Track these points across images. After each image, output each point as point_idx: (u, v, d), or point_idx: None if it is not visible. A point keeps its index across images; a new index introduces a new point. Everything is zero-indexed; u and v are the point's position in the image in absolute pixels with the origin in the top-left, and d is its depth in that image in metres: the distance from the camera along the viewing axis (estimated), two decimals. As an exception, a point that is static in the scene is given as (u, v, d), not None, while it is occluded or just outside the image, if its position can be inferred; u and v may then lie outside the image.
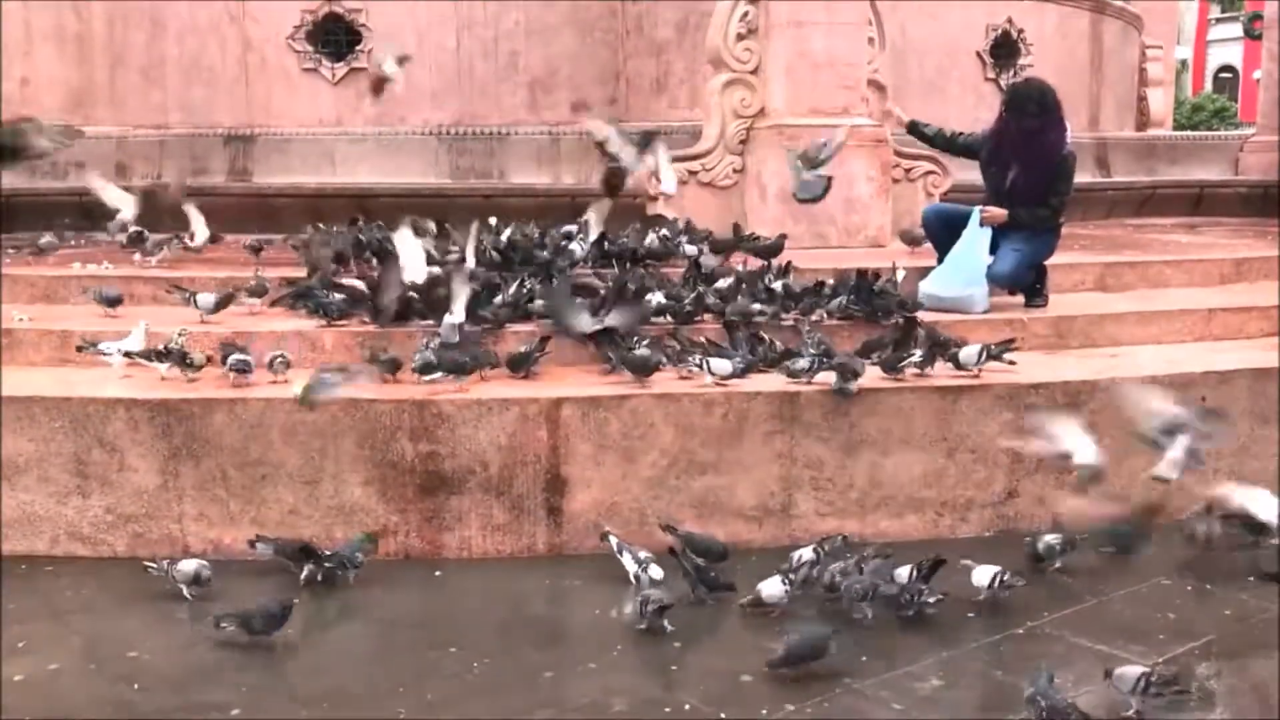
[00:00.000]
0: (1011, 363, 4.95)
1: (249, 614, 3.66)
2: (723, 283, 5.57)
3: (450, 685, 3.47)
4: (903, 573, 3.92)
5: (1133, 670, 3.24)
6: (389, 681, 3.48)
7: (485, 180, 8.82)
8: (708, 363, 4.72)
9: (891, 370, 4.81)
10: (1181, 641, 3.73)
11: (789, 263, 5.89)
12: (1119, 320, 5.82)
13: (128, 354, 4.81)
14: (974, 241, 5.74)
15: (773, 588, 3.89)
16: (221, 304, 5.35)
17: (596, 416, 4.53)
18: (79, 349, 4.95)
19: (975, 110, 10.15)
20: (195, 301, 5.33)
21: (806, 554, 4.09)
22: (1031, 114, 5.73)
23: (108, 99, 9.72)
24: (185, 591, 4.01)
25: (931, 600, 3.86)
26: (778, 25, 7.20)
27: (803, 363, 4.75)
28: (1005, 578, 3.96)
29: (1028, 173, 5.76)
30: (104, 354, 4.85)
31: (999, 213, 5.77)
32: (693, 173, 7.41)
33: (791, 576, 3.94)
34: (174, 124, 9.59)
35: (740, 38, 7.39)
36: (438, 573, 4.37)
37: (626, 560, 4.13)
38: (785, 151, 6.16)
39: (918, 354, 4.84)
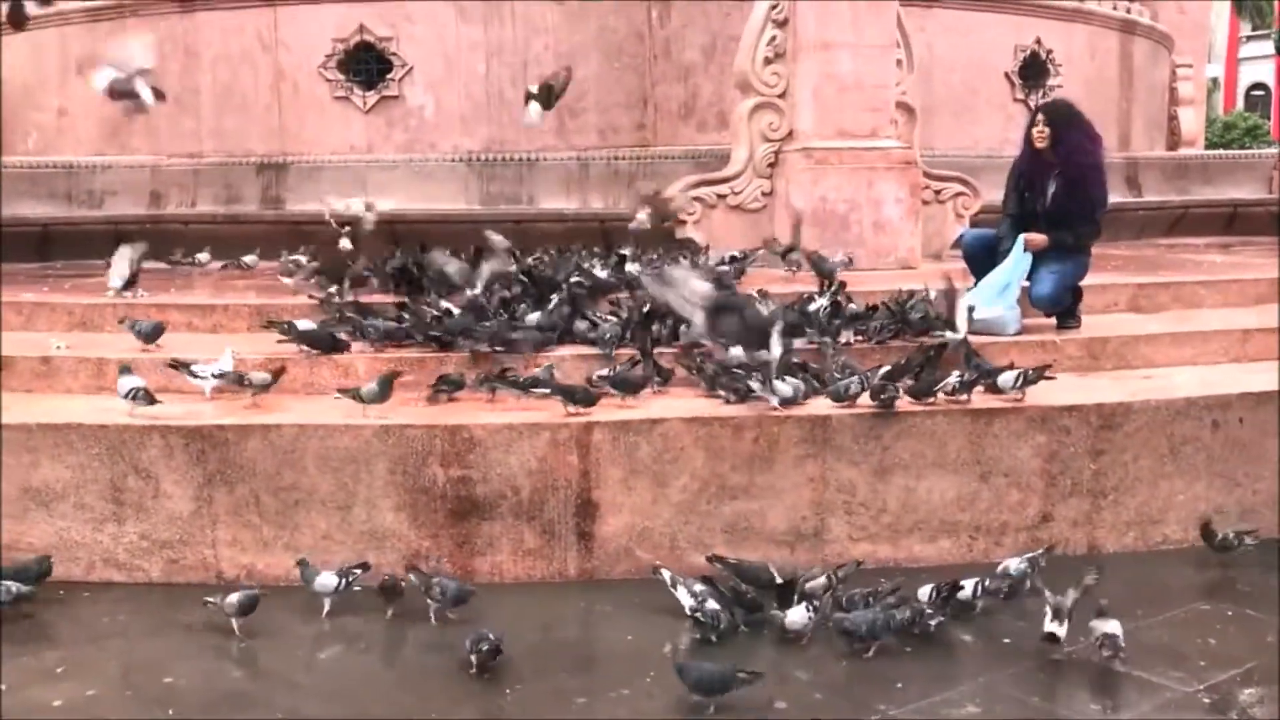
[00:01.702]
0: (1050, 376, 4.93)
1: None
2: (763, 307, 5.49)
3: (482, 710, 3.48)
4: (923, 592, 4.00)
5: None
6: (420, 707, 3.48)
7: (515, 206, 8.84)
8: (771, 385, 4.68)
9: (923, 396, 4.78)
10: (1223, 668, 3.69)
11: (841, 283, 5.86)
12: (1153, 341, 5.77)
13: (219, 375, 4.86)
14: (1015, 265, 5.74)
15: (796, 615, 3.89)
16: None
17: (627, 440, 4.54)
18: (173, 367, 4.98)
19: (1004, 130, 10.09)
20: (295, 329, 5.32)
21: (820, 582, 4.10)
22: (1065, 127, 5.77)
23: (143, 128, 9.81)
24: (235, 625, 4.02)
25: (933, 623, 3.91)
26: (805, 48, 7.20)
27: (855, 386, 4.73)
28: (986, 584, 4.10)
29: (1065, 190, 5.75)
30: (197, 376, 4.89)
31: (1041, 239, 5.75)
32: (721, 196, 7.42)
33: (815, 604, 3.94)
34: (207, 152, 9.68)
35: (768, 61, 7.40)
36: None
37: (681, 593, 4.06)
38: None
39: (954, 379, 4.81)
